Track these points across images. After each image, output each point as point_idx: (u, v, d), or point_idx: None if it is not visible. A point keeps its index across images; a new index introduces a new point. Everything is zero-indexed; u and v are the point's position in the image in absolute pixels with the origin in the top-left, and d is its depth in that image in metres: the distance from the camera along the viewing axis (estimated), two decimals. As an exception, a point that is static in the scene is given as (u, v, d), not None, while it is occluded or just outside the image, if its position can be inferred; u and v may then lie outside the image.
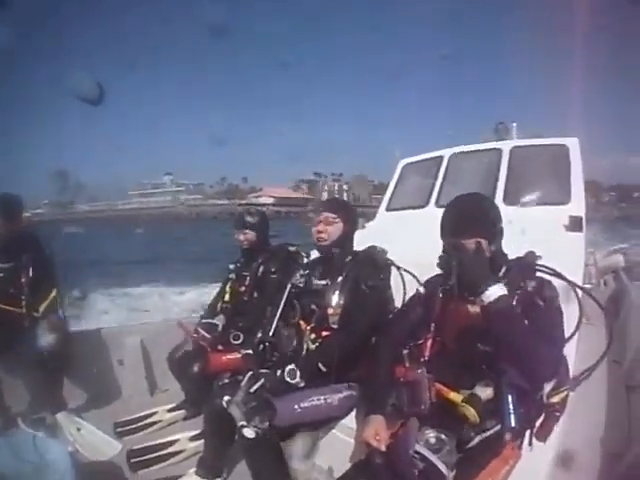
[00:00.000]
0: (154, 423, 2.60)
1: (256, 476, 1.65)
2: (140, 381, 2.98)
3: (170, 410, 2.68)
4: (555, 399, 1.33)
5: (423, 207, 3.16)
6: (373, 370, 1.54)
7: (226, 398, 1.69)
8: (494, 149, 3.11)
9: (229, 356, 2.27)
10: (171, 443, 2.36)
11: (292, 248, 2.42)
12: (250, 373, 1.71)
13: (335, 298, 1.79)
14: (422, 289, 1.54)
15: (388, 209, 3.46)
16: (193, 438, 2.34)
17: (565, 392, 1.34)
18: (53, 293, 2.51)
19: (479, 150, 3.25)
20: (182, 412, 2.65)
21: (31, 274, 2.44)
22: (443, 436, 1.27)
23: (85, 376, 2.79)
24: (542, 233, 2.30)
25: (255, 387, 1.63)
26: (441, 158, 3.31)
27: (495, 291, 1.22)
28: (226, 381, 2.11)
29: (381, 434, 1.33)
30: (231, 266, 2.61)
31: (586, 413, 1.98)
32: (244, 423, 1.52)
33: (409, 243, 2.28)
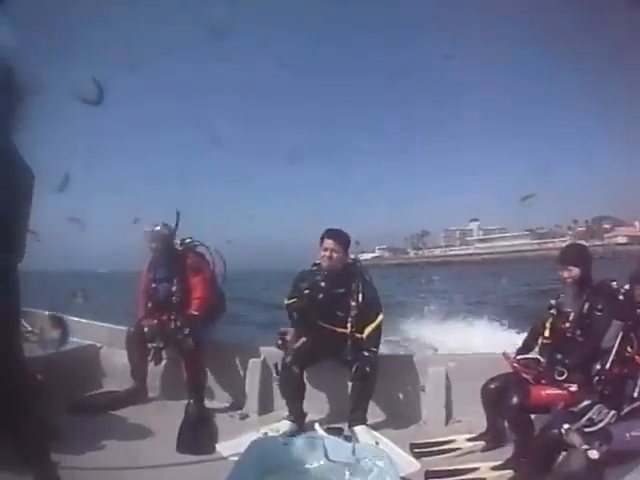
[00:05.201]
0: (452, 450, 2.58)
1: None
2: (438, 409, 2.99)
3: (469, 440, 2.63)
4: None
5: None
6: None
7: (566, 426, 1.77)
8: None
9: (549, 391, 2.27)
10: (471, 470, 2.30)
11: (614, 284, 2.35)
12: (588, 404, 1.89)
13: None
14: None
15: None
16: (495, 468, 2.26)
17: None
18: (380, 318, 2.90)
19: None
20: (481, 443, 2.57)
21: (361, 299, 2.87)
22: None
23: (388, 396, 3.04)
24: None
25: (600, 419, 1.80)
26: None
27: None
28: (560, 412, 2.12)
29: None
30: (552, 302, 2.58)
31: None
32: (587, 446, 1.65)
33: None
